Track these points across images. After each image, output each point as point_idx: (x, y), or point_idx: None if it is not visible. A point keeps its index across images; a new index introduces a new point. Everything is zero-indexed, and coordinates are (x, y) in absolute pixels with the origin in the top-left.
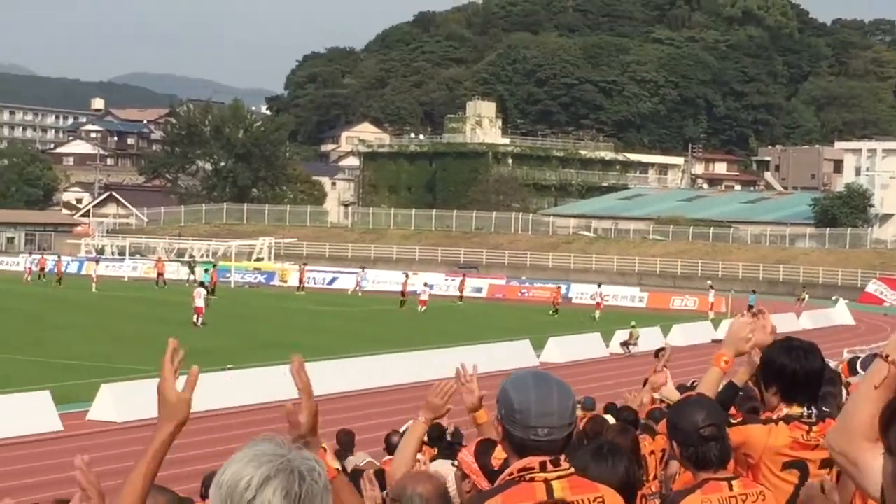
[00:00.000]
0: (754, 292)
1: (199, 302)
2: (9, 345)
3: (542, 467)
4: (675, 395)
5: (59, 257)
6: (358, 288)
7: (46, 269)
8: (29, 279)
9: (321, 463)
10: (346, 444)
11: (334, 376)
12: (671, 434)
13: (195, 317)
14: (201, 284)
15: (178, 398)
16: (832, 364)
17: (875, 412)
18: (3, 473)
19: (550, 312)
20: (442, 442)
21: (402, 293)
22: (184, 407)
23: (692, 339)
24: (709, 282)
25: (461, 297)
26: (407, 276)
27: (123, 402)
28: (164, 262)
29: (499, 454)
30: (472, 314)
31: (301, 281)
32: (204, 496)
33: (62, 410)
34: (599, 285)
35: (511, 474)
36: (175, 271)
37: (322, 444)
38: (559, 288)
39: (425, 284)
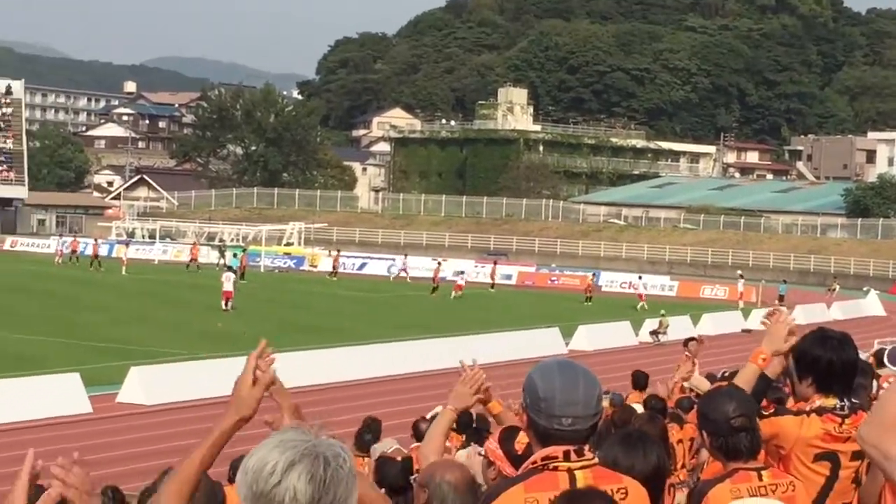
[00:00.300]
0: (785, 282)
1: (228, 286)
2: (39, 326)
3: (566, 457)
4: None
5: (95, 241)
6: (405, 274)
7: (79, 252)
8: (60, 261)
9: (346, 449)
10: (373, 431)
11: (363, 362)
12: (701, 424)
13: (224, 301)
14: (230, 269)
15: (249, 394)
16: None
17: None
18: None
19: (584, 300)
20: (469, 429)
21: (434, 280)
22: (252, 403)
23: (722, 329)
24: (739, 271)
25: (493, 285)
26: (439, 263)
27: (152, 385)
28: (198, 246)
29: (522, 439)
30: (502, 301)
31: (335, 267)
32: (231, 480)
33: (92, 393)
34: (640, 277)
35: (534, 463)
36: (205, 255)
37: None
38: (592, 276)
39: (460, 273)
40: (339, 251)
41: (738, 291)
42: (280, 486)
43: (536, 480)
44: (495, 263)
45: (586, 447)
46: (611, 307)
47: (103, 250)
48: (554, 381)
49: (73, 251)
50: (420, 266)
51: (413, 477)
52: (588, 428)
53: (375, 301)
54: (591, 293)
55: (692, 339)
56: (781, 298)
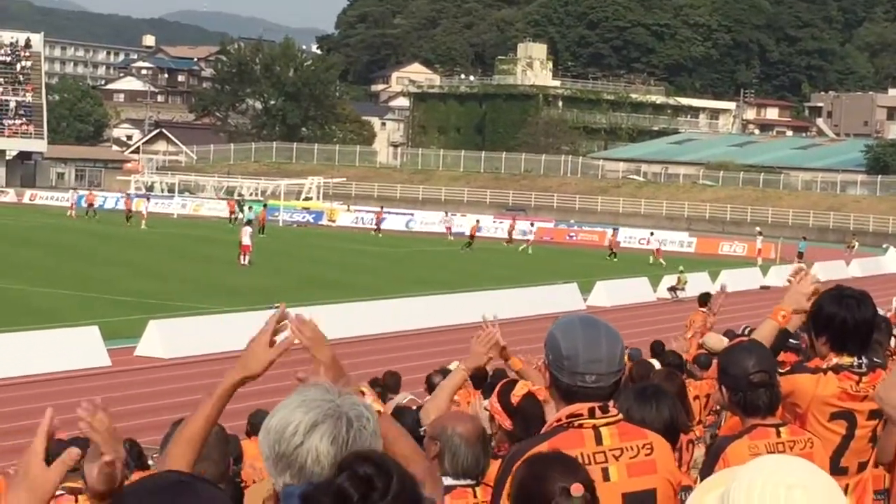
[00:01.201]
0: (804, 239)
1: (247, 240)
2: (58, 280)
3: (591, 413)
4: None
5: (127, 195)
6: (449, 233)
7: (95, 205)
8: (73, 214)
9: (371, 408)
10: (392, 385)
11: (382, 316)
12: (721, 379)
13: (242, 255)
14: (248, 223)
15: (262, 354)
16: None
17: None
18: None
19: (608, 256)
20: (484, 383)
21: (472, 235)
22: (261, 365)
23: (740, 286)
24: (757, 228)
25: (510, 241)
26: (478, 221)
27: (171, 338)
28: (234, 202)
29: (518, 391)
30: (520, 257)
31: (378, 223)
32: (249, 433)
33: (110, 346)
34: (652, 233)
35: (559, 420)
36: (223, 210)
37: (360, 388)
38: (614, 232)
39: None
40: (382, 207)
41: (756, 248)
42: (302, 447)
43: (562, 438)
44: (513, 220)
45: (611, 403)
46: (630, 263)
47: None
48: (577, 338)
49: (90, 205)
50: (438, 220)
51: (422, 429)
52: (611, 385)
53: (394, 256)
54: (614, 249)
55: (707, 294)
56: (801, 255)
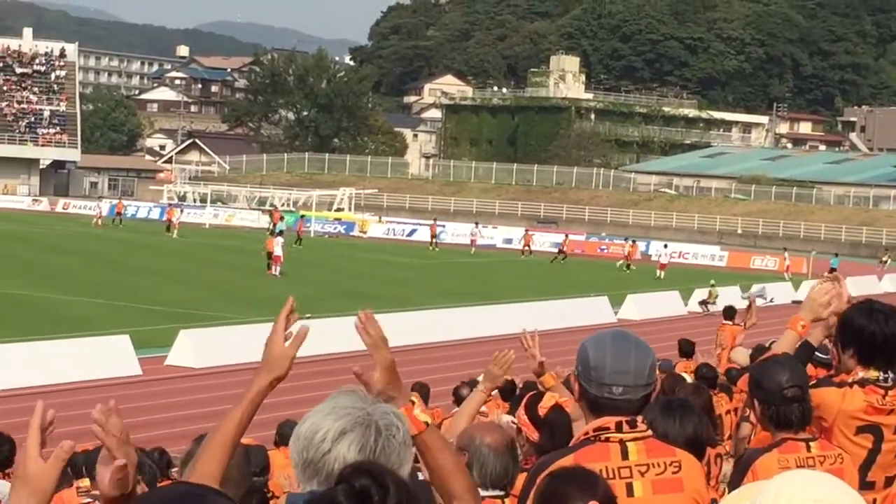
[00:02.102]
0: (836, 255)
1: (278, 251)
2: (90, 288)
3: (618, 428)
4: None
5: (169, 205)
6: (473, 245)
7: (123, 214)
8: (99, 222)
9: (402, 417)
10: (422, 396)
11: (411, 328)
12: (753, 392)
13: (274, 266)
14: (280, 233)
15: (282, 353)
16: None
17: None
18: (81, 416)
19: (622, 267)
20: (513, 396)
21: (526, 244)
22: (286, 362)
23: (775, 301)
24: (784, 246)
25: (525, 252)
26: (527, 230)
27: (201, 348)
28: (279, 211)
29: (545, 403)
30: (551, 269)
31: (433, 236)
32: (277, 444)
33: (141, 355)
34: (666, 245)
35: (586, 434)
36: (256, 220)
37: (412, 398)
38: (633, 243)
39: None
40: (435, 220)
41: (784, 265)
42: (329, 454)
43: (588, 451)
44: (526, 231)
45: (639, 419)
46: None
47: (154, 214)
48: (605, 349)
49: (118, 213)
50: (469, 233)
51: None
52: (640, 398)
53: (425, 268)
54: (631, 261)
55: (732, 308)
56: (833, 271)
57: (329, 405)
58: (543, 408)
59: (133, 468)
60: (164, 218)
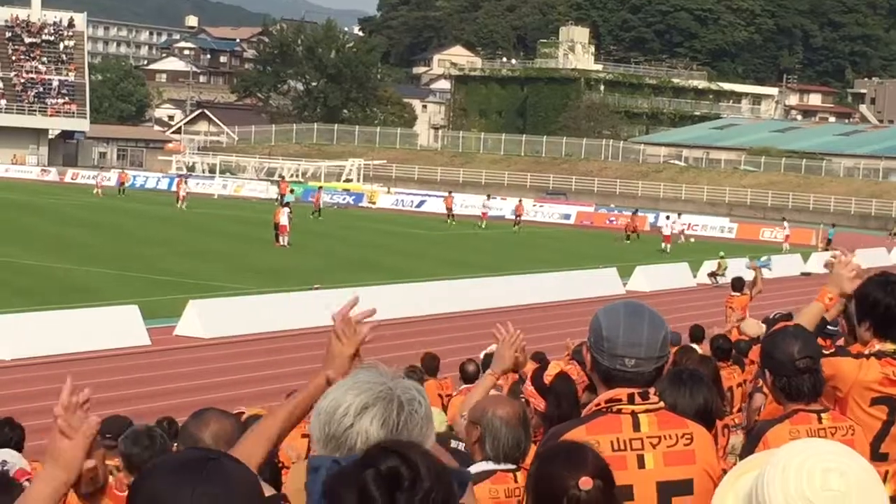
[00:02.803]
0: (833, 226)
1: (284, 220)
2: (98, 259)
3: (630, 399)
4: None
5: (179, 177)
6: (485, 218)
7: (126, 184)
8: (100, 192)
9: (423, 392)
10: (430, 368)
11: (421, 299)
12: (764, 363)
13: (281, 237)
14: (286, 204)
15: (341, 352)
16: None
17: None
18: (91, 386)
19: (624, 239)
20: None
21: (518, 215)
22: (345, 362)
23: (780, 272)
24: (783, 216)
25: (517, 222)
26: (520, 201)
27: (210, 318)
28: (286, 181)
29: (550, 370)
30: (560, 241)
31: (449, 209)
32: None
33: (150, 325)
34: (668, 217)
35: (598, 405)
36: (265, 190)
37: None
38: (633, 214)
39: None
40: (450, 192)
41: (784, 235)
42: (352, 429)
43: (599, 423)
44: (520, 202)
45: (651, 390)
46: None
47: (163, 184)
48: (618, 321)
49: (122, 183)
50: (478, 204)
51: (462, 414)
52: (653, 370)
53: (434, 239)
54: (633, 231)
55: (740, 279)
56: (829, 242)
57: (350, 380)
58: (549, 376)
59: (102, 463)
60: (174, 190)
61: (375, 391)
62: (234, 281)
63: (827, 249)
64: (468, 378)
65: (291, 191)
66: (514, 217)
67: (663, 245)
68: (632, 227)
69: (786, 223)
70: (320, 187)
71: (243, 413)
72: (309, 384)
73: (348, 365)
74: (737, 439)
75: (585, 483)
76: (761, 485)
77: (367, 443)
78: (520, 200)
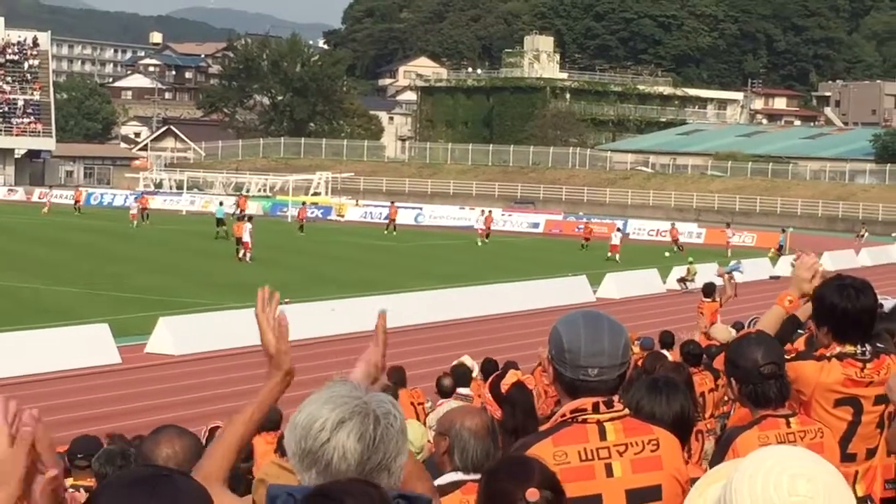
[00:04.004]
0: (783, 230)
1: (247, 237)
2: (68, 278)
3: (595, 409)
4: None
5: (142, 194)
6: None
7: (82, 202)
8: (46, 211)
9: (397, 406)
10: (399, 380)
11: (393, 311)
12: (729, 371)
13: (243, 252)
14: (249, 219)
15: (277, 349)
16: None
17: None
18: (62, 405)
19: (581, 247)
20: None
21: (487, 227)
22: (283, 357)
23: (749, 276)
24: (727, 221)
25: (487, 234)
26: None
27: (181, 335)
28: (246, 197)
29: (507, 380)
30: (529, 250)
31: (392, 220)
32: (259, 430)
33: (120, 343)
34: (619, 229)
35: (563, 416)
36: (233, 206)
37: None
38: (587, 221)
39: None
40: (393, 202)
41: (726, 240)
42: (329, 443)
43: (565, 434)
44: (489, 214)
45: (615, 398)
46: (639, 255)
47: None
48: (579, 331)
49: (76, 202)
50: (446, 215)
51: (431, 426)
52: (616, 378)
53: (403, 251)
54: (588, 238)
55: (711, 284)
56: (780, 249)
57: (324, 395)
58: (505, 384)
59: (62, 477)
60: (136, 204)
61: (351, 405)
62: (204, 297)
63: (779, 255)
64: (444, 392)
65: (221, 204)
66: (483, 228)
67: (609, 254)
68: (589, 232)
69: (729, 229)
70: (304, 203)
71: (218, 428)
72: (263, 388)
73: (287, 358)
74: (710, 445)
75: (532, 494)
76: (730, 493)
77: (343, 457)
78: (489, 212)
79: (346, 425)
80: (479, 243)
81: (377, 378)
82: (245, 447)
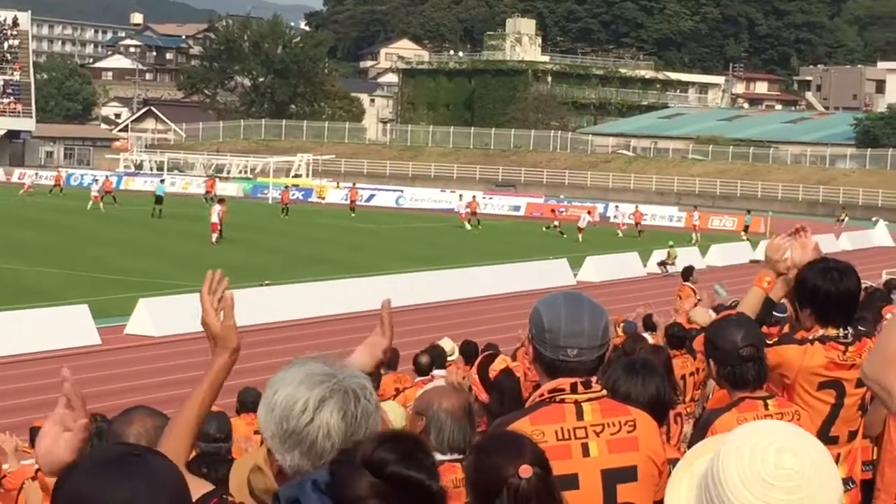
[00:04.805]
0: (749, 212)
1: (214, 218)
2: (47, 258)
3: (573, 389)
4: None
5: (106, 177)
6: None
7: (63, 184)
8: (23, 193)
9: (369, 381)
10: (391, 363)
11: (371, 293)
12: (709, 353)
13: (211, 234)
14: (220, 201)
15: (222, 327)
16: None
17: None
18: (41, 386)
19: (545, 227)
20: (474, 358)
21: (473, 213)
22: (231, 334)
23: (730, 260)
24: (694, 204)
25: (473, 220)
26: (473, 197)
27: (160, 316)
28: (214, 179)
29: (496, 365)
30: (511, 233)
31: (353, 201)
32: (239, 411)
33: (100, 324)
34: (588, 212)
35: (541, 395)
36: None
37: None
38: (554, 204)
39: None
40: (354, 184)
41: (692, 223)
42: (313, 423)
43: (543, 413)
44: (473, 198)
45: (594, 379)
46: (619, 238)
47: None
48: (559, 311)
49: (56, 184)
50: (428, 198)
51: (409, 406)
52: (595, 359)
53: (384, 233)
54: (555, 220)
55: (691, 267)
56: (746, 229)
57: (297, 373)
58: (494, 370)
59: (90, 428)
60: (99, 187)
61: (330, 384)
62: (184, 279)
63: (745, 235)
64: (421, 370)
65: (162, 181)
66: (467, 212)
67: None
68: (556, 215)
69: (695, 212)
70: (287, 186)
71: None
72: (211, 367)
73: (234, 335)
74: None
75: (525, 471)
76: (716, 467)
77: (328, 435)
78: (473, 196)
79: (328, 404)
80: (469, 227)
81: (382, 364)
82: (199, 428)
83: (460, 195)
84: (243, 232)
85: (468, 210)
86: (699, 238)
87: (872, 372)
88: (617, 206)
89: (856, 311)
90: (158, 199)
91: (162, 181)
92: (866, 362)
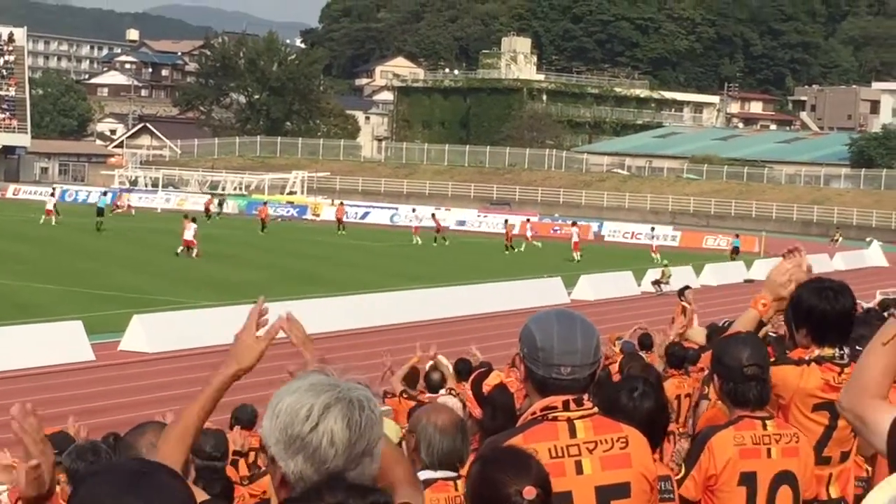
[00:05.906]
0: (737, 236)
1: (188, 235)
2: (42, 274)
3: (566, 406)
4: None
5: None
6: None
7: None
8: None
9: (370, 391)
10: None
11: (365, 311)
12: (714, 367)
13: (181, 248)
14: (193, 219)
15: (252, 345)
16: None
17: (883, 369)
18: (35, 402)
19: (504, 249)
20: (468, 376)
21: (437, 229)
22: (254, 355)
23: (724, 279)
24: (652, 226)
25: (437, 234)
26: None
27: (155, 332)
28: (214, 198)
29: (490, 381)
30: (502, 252)
31: (339, 220)
32: (232, 426)
33: (94, 340)
34: (574, 224)
35: (534, 413)
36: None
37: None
38: (509, 223)
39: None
40: (342, 203)
41: (652, 246)
42: (317, 429)
43: (536, 431)
44: (433, 215)
45: (585, 396)
46: (613, 257)
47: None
48: (552, 330)
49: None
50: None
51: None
52: (587, 377)
53: (378, 251)
54: (510, 241)
55: (686, 287)
56: (736, 251)
57: (303, 383)
58: (488, 385)
59: (49, 467)
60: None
61: (334, 392)
62: (178, 295)
63: (734, 258)
64: (433, 387)
65: (105, 193)
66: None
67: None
68: (511, 235)
69: (653, 233)
70: (265, 202)
71: None
72: (215, 376)
73: (257, 354)
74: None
75: (529, 493)
76: None
77: (332, 442)
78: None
79: (333, 411)
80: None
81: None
82: (197, 437)
83: (413, 208)
84: (237, 247)
85: (432, 225)
86: (658, 260)
87: (849, 402)
88: (653, 228)
89: (851, 330)
90: (100, 212)
91: (104, 194)
92: (843, 392)
